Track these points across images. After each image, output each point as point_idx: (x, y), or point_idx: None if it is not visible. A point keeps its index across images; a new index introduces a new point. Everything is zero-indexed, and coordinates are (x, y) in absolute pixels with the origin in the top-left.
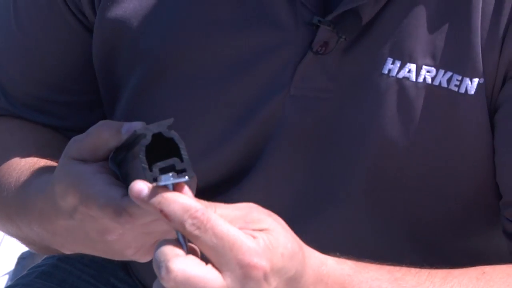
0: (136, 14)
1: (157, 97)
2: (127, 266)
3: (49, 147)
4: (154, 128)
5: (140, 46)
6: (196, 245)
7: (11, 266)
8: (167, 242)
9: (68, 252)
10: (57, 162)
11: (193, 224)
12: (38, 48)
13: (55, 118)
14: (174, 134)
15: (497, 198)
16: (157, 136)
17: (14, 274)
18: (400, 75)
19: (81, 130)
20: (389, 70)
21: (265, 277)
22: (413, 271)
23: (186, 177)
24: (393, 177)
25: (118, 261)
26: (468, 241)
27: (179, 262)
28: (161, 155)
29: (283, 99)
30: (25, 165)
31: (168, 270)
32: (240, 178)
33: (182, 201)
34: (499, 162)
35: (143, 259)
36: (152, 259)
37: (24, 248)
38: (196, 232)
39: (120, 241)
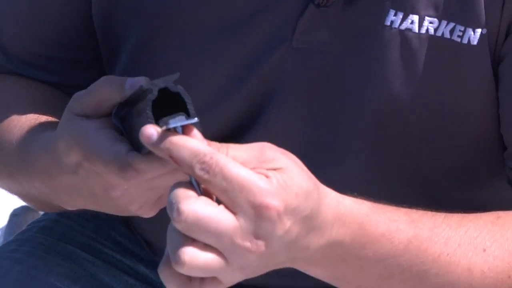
0: None
1: (156, 55)
2: (127, 221)
3: (49, 104)
4: (160, 82)
5: (139, 4)
6: (208, 188)
7: (3, 222)
8: (180, 185)
9: (71, 208)
10: (58, 119)
11: (202, 169)
12: (36, 3)
13: (54, 75)
14: (180, 89)
15: (501, 150)
16: (163, 91)
17: (6, 230)
18: (403, 26)
19: (81, 87)
20: (392, 22)
21: (279, 217)
22: (430, 213)
23: (196, 119)
24: (397, 129)
25: (118, 215)
26: (473, 194)
27: (190, 203)
28: (167, 110)
29: (285, 52)
30: (26, 122)
31: (179, 211)
32: (243, 133)
33: (191, 145)
34: (503, 113)
35: (148, 214)
36: (155, 215)
37: (16, 205)
38: (206, 176)
39: (125, 197)
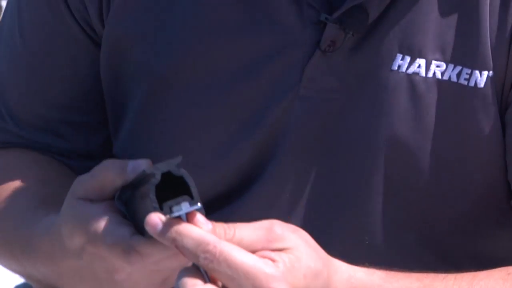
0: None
1: (163, 109)
2: None
3: (54, 183)
4: (163, 167)
5: (143, 63)
6: (214, 276)
7: None
8: (187, 272)
9: None
10: (62, 199)
11: (206, 258)
12: (44, 65)
13: (63, 139)
14: (183, 172)
15: (507, 199)
16: (166, 174)
17: None
18: (410, 70)
19: (87, 153)
20: (399, 66)
21: None
22: (441, 276)
23: (198, 204)
24: (405, 176)
25: None
26: (478, 245)
27: None
28: (170, 192)
29: (292, 100)
30: (31, 204)
31: None
32: (250, 183)
33: (195, 235)
34: (509, 159)
35: None
36: None
37: (18, 281)
38: (210, 266)
39: (129, 280)
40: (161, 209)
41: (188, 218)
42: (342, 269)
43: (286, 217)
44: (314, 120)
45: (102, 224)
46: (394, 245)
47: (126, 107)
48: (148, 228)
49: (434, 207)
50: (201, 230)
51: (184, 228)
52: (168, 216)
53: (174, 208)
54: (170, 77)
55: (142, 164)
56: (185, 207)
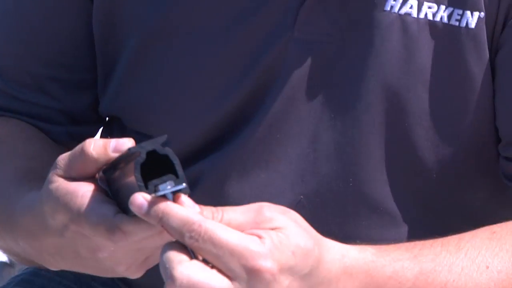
0: None
1: (154, 60)
2: None
3: (38, 158)
4: (148, 145)
5: (137, 10)
6: (200, 254)
7: None
8: (172, 247)
9: (54, 269)
10: (45, 177)
11: (191, 237)
12: (34, 18)
13: (50, 97)
14: (168, 151)
15: (495, 146)
16: (151, 153)
17: None
18: (402, 11)
19: (74, 114)
20: (391, 7)
21: (274, 278)
22: (428, 244)
23: (184, 184)
24: (395, 118)
25: None
26: (464, 196)
27: (184, 268)
28: (155, 172)
29: (286, 43)
30: (14, 178)
31: (173, 277)
32: (244, 125)
33: (180, 214)
34: (500, 103)
35: (135, 275)
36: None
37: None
38: (196, 244)
39: (112, 258)
40: (146, 188)
41: (174, 198)
42: (335, 249)
43: (277, 160)
44: (307, 63)
45: (85, 202)
46: (382, 191)
47: (116, 61)
48: (133, 208)
49: (421, 152)
50: (186, 210)
51: (170, 207)
52: (153, 195)
53: (160, 187)
54: (162, 28)
55: (124, 143)
56: (170, 185)
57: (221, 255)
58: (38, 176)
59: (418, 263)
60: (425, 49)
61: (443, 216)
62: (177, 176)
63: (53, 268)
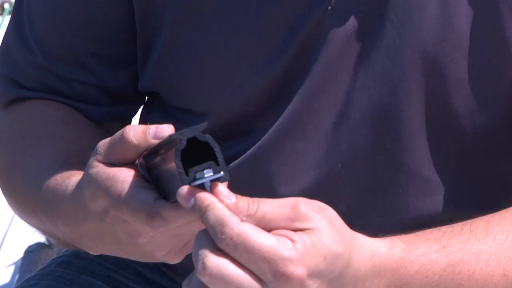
0: None
1: (194, 31)
2: None
3: (79, 142)
4: (189, 132)
5: None
6: (232, 255)
7: (17, 257)
8: (206, 234)
9: (94, 253)
10: (86, 161)
11: (223, 239)
12: None
13: (92, 74)
14: (208, 138)
15: None
16: (191, 140)
17: (21, 267)
18: None
19: (113, 91)
20: None
21: (303, 283)
22: (456, 231)
23: (222, 173)
24: (433, 84)
25: None
26: (500, 165)
27: (216, 258)
28: (195, 159)
29: (324, 13)
30: (56, 163)
31: (204, 265)
32: (284, 100)
33: (215, 212)
34: None
35: (173, 260)
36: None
37: (31, 241)
38: (227, 248)
39: (151, 244)
40: (186, 175)
41: (212, 186)
42: (365, 247)
43: (314, 130)
44: (345, 32)
45: (125, 188)
46: (419, 159)
47: (156, 36)
48: (180, 200)
49: (459, 119)
50: (223, 209)
51: (208, 201)
52: (191, 184)
53: (198, 175)
54: (199, 4)
55: (164, 130)
56: (209, 173)
57: (252, 260)
58: (80, 161)
59: (446, 254)
60: (463, 16)
61: (479, 185)
62: (217, 163)
63: (93, 252)
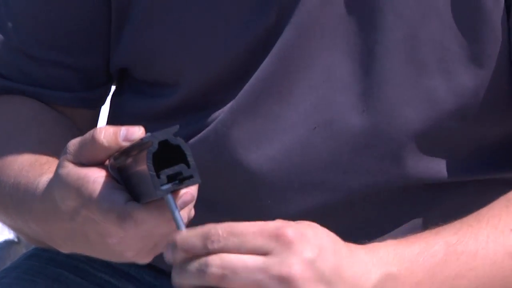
0: None
1: (172, 0)
2: None
3: (52, 144)
4: (160, 135)
5: None
6: (230, 260)
7: None
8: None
9: (65, 251)
10: (57, 160)
11: (213, 241)
12: None
13: (66, 54)
14: (180, 141)
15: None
16: (163, 143)
17: None
18: None
19: (87, 72)
20: None
21: (301, 237)
22: (445, 226)
23: (194, 175)
24: (411, 44)
25: None
26: (479, 132)
27: (218, 260)
28: (166, 161)
29: None
30: (26, 162)
31: (206, 264)
32: (254, 64)
33: (198, 233)
34: None
35: (143, 260)
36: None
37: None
38: (220, 245)
39: (121, 244)
40: (158, 177)
41: (174, 194)
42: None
43: (289, 92)
44: None
45: (96, 188)
46: (396, 122)
47: (130, 9)
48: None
49: (435, 80)
50: (197, 230)
51: (184, 237)
52: (161, 188)
53: (165, 185)
54: None
55: (135, 132)
56: (174, 185)
57: (246, 241)
58: (51, 160)
59: (442, 237)
60: None
61: (455, 149)
62: (188, 166)
63: (63, 250)
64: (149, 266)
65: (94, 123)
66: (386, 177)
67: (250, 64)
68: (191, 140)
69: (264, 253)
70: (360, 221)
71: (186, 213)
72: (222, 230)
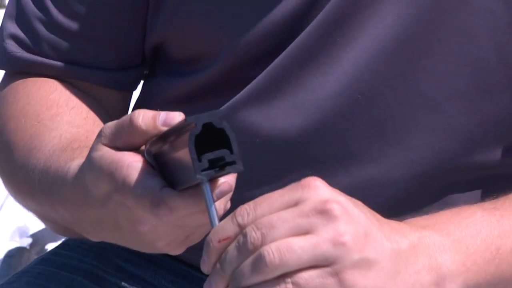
0: None
1: None
2: None
3: (84, 127)
4: (205, 117)
5: None
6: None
7: None
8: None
9: (94, 239)
10: (89, 146)
11: (247, 214)
12: None
13: (103, 27)
14: (225, 125)
15: None
16: (205, 126)
17: (0, 272)
18: None
19: (123, 51)
20: None
21: (346, 207)
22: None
23: (237, 162)
24: (457, 9)
25: None
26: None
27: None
28: (205, 148)
29: None
30: (58, 145)
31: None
32: (298, 32)
33: (223, 221)
34: None
35: (174, 252)
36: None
37: (11, 246)
38: (251, 216)
39: (152, 233)
40: (199, 161)
41: (212, 183)
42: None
43: (332, 62)
44: None
45: (131, 173)
46: (441, 90)
47: None
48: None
49: (483, 50)
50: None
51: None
52: (204, 172)
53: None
54: None
55: (175, 117)
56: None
57: (274, 201)
58: (83, 145)
59: (478, 205)
60: None
61: (500, 125)
62: (231, 151)
63: (92, 238)
64: (167, 268)
65: (124, 109)
66: (432, 152)
67: (291, 32)
68: None
69: (293, 205)
70: (399, 198)
71: (222, 204)
72: (247, 204)
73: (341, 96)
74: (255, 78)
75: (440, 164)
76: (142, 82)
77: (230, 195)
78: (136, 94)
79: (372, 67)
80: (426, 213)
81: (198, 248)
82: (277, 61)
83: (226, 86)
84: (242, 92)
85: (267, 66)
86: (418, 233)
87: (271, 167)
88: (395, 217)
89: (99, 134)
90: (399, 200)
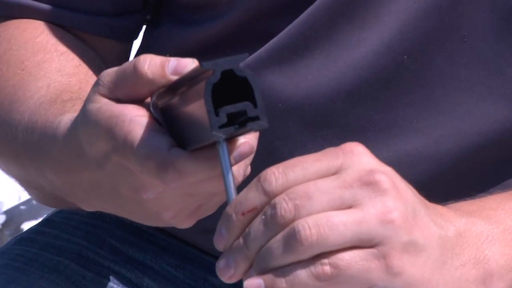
0: None
1: None
2: (124, 223)
3: (77, 75)
4: (225, 63)
5: None
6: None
7: None
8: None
9: (88, 209)
10: (84, 97)
11: (270, 183)
12: None
13: None
14: (248, 73)
15: None
16: (224, 74)
17: None
18: None
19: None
20: None
21: (395, 181)
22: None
23: (262, 118)
24: None
25: (113, 218)
26: None
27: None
28: (223, 101)
29: None
30: (45, 97)
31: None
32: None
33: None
34: None
35: (183, 225)
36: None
37: None
38: (285, 179)
39: (158, 202)
40: (216, 115)
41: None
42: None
43: (374, 17)
44: None
45: (133, 129)
46: (496, 49)
47: None
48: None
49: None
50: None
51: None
52: (222, 129)
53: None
54: None
55: (188, 64)
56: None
57: (308, 166)
58: (75, 96)
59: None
60: None
61: None
62: (255, 105)
63: (86, 207)
64: (171, 252)
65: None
66: (488, 121)
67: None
68: None
69: (333, 173)
70: (444, 175)
71: (241, 169)
72: (275, 167)
73: (383, 56)
74: (278, 32)
75: (496, 136)
76: (143, 31)
77: (250, 158)
78: (136, 46)
79: (420, 22)
80: (476, 197)
81: (209, 230)
82: (306, 12)
83: (244, 40)
84: (262, 48)
85: (293, 19)
86: (465, 219)
87: (295, 139)
88: (437, 200)
89: (96, 83)
90: (444, 179)
